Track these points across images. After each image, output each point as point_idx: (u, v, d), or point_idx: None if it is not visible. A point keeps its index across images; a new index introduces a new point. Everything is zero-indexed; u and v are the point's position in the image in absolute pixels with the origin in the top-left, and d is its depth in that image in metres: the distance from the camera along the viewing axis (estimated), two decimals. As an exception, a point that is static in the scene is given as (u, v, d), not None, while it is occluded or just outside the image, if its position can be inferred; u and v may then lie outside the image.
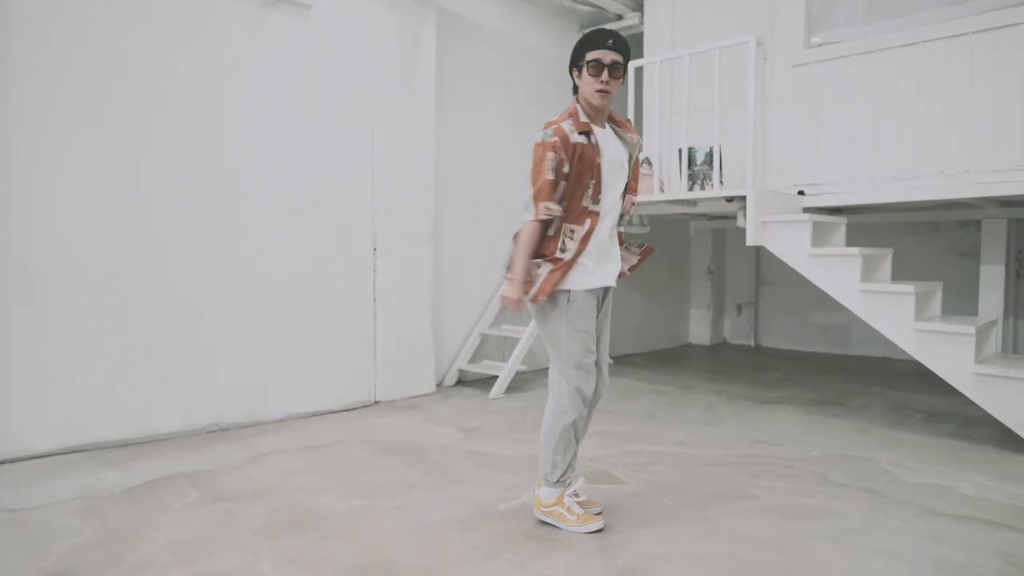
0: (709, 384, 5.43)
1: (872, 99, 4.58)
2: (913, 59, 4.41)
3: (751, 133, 4.37)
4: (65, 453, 3.33)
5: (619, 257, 2.60)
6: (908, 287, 3.82)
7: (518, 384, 5.23)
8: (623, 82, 2.50)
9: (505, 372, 4.91)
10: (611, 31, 2.44)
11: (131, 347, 3.54)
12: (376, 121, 4.55)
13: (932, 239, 6.48)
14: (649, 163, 4.95)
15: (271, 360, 4.07)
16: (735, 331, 7.90)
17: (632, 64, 5.06)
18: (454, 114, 5.25)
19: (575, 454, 2.55)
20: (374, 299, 4.56)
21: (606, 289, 2.57)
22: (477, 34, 5.43)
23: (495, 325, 5.48)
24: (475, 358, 5.40)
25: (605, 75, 2.40)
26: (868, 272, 4.15)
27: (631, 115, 5.06)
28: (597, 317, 2.55)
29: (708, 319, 7.77)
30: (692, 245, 7.80)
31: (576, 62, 2.47)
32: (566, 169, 2.39)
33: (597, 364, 2.57)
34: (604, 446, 3.59)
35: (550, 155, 2.37)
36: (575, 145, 2.39)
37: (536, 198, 2.42)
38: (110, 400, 3.47)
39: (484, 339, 5.44)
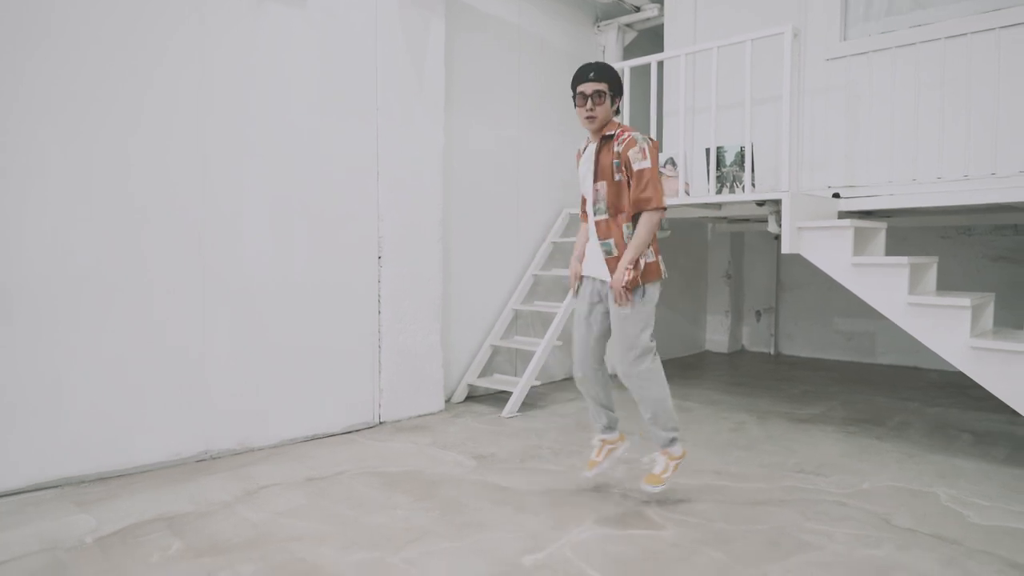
0: (734, 399, 5.09)
1: (914, 94, 4.24)
2: (960, 51, 4.07)
3: (786, 132, 4.03)
4: (36, 490, 3.00)
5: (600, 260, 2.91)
6: (964, 300, 3.48)
7: (532, 400, 4.89)
8: (617, 108, 2.88)
9: (519, 389, 4.58)
10: (594, 63, 2.82)
11: (111, 369, 3.20)
12: (381, 119, 4.21)
13: (965, 243, 6.14)
14: (673, 164, 4.61)
15: (266, 380, 3.73)
16: (754, 338, 7.56)
17: (654, 58, 4.72)
18: (464, 110, 4.91)
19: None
20: (379, 312, 4.22)
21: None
22: (488, 26, 5.09)
23: (507, 336, 5.15)
24: (486, 371, 5.07)
25: (589, 104, 2.80)
26: (913, 283, 3.82)
27: (652, 112, 4.73)
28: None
29: (726, 325, 7.43)
30: (709, 248, 7.45)
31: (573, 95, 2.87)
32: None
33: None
34: (635, 478, 3.26)
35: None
36: None
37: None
38: (87, 429, 3.14)
39: (495, 351, 5.11)
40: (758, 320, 7.49)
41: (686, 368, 6.52)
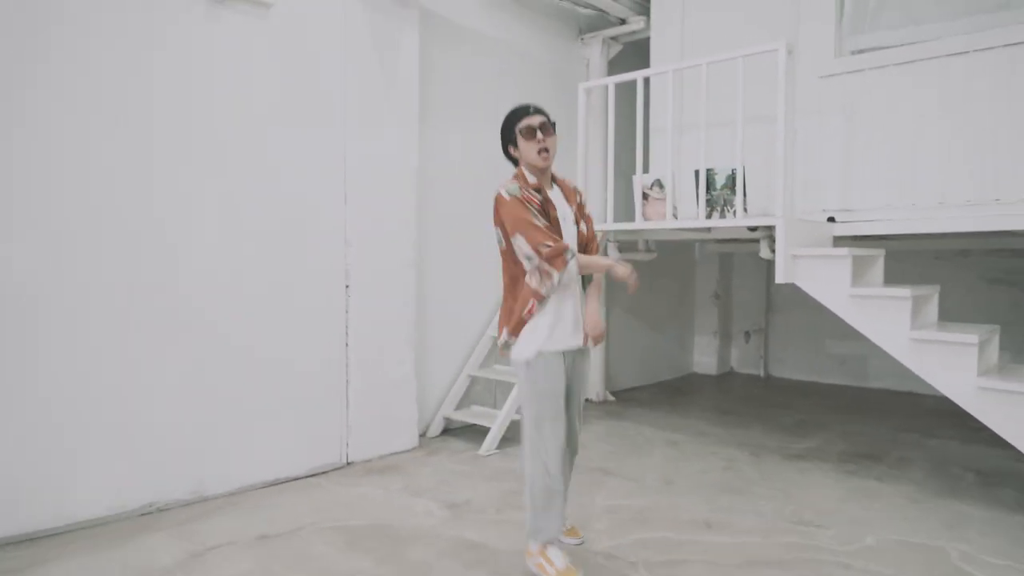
0: (724, 430, 4.85)
1: (913, 114, 4.03)
2: (964, 69, 3.86)
3: (781, 155, 3.81)
4: (-47, 555, 2.70)
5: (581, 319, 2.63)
6: (970, 336, 3.26)
7: (513, 434, 4.61)
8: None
9: (497, 424, 4.31)
10: (528, 103, 2.58)
11: (37, 412, 2.88)
12: (349, 137, 3.94)
13: (962, 265, 5.95)
14: (660, 185, 4.38)
15: (223, 420, 3.44)
16: (743, 360, 7.33)
17: (640, 74, 4.49)
18: (440, 127, 4.64)
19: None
20: (346, 344, 3.94)
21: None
22: (465, 39, 4.84)
23: (485, 365, 4.87)
24: (463, 403, 4.79)
25: (539, 135, 2.49)
26: (915, 314, 3.59)
27: (639, 131, 4.49)
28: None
29: (714, 347, 7.20)
30: (697, 267, 7.23)
31: (509, 138, 2.59)
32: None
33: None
34: (619, 530, 3.00)
35: (524, 205, 2.46)
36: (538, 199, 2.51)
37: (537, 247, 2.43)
38: (15, 482, 2.82)
39: (473, 381, 4.83)
40: (747, 341, 7.27)
41: (673, 392, 6.27)
